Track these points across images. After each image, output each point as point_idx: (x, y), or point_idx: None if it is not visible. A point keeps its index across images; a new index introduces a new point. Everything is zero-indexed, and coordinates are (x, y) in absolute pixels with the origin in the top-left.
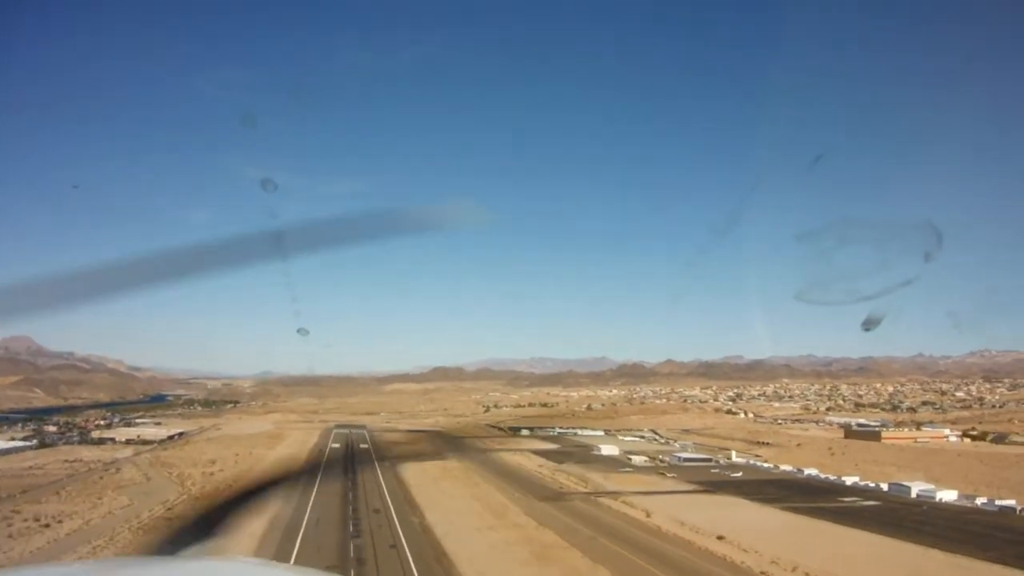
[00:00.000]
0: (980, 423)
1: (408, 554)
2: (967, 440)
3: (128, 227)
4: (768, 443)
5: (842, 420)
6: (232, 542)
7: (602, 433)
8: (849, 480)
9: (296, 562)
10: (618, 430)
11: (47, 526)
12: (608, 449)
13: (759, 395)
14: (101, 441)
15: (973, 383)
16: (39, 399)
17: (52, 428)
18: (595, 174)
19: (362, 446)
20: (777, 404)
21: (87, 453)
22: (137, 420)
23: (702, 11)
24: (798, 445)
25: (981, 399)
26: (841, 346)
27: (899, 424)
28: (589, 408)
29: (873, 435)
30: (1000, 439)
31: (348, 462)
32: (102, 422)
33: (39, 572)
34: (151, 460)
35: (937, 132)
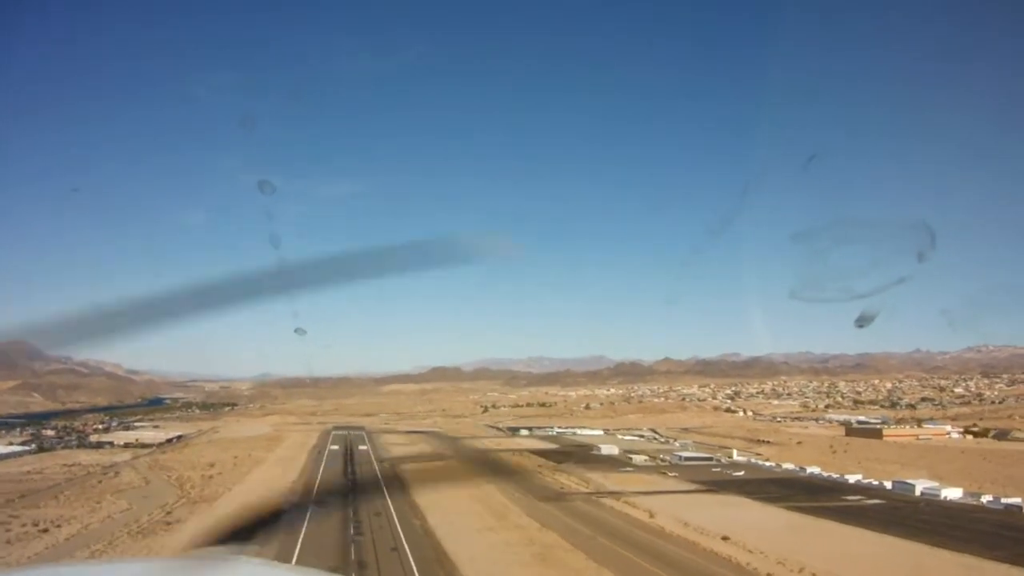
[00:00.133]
0: (981, 419)
1: (410, 558)
2: (969, 437)
3: (126, 228)
4: (768, 441)
5: (842, 417)
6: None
7: (601, 432)
8: (852, 478)
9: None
10: (617, 429)
11: (45, 531)
12: (608, 448)
13: (757, 392)
14: (99, 445)
15: (971, 379)
16: (37, 403)
17: (50, 432)
18: (594, 174)
19: (361, 447)
20: (776, 401)
21: (85, 457)
22: (135, 423)
23: (701, 11)
24: (799, 443)
25: (980, 395)
26: (838, 342)
27: (899, 421)
28: (587, 407)
29: (875, 432)
30: (1002, 435)
31: (347, 461)
32: (100, 426)
33: (38, 572)
34: (149, 463)
35: (934, 131)
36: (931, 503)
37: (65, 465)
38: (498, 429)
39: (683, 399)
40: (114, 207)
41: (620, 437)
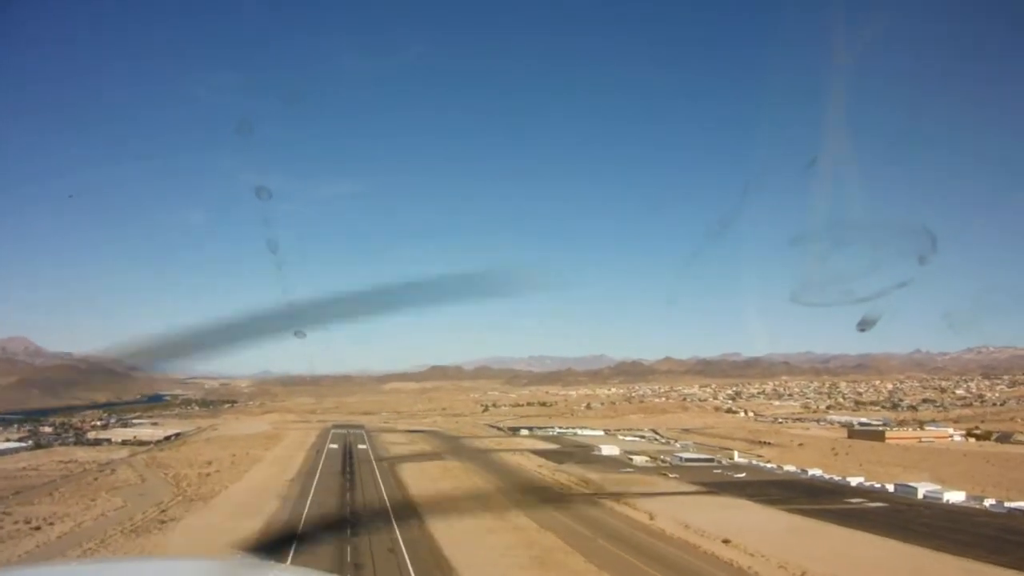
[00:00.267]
0: (983, 422)
1: (407, 559)
2: (971, 439)
3: (125, 229)
4: (770, 443)
5: (843, 419)
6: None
7: (602, 432)
8: (854, 481)
9: None
10: (618, 429)
11: (38, 528)
12: (608, 449)
13: (758, 393)
14: (97, 442)
15: (972, 380)
16: (36, 399)
17: (48, 429)
18: (594, 174)
19: (360, 446)
20: (777, 402)
21: (82, 454)
22: (134, 420)
23: (701, 11)
24: (800, 445)
25: (981, 396)
26: (839, 343)
27: (901, 423)
28: (588, 407)
29: (877, 435)
30: (1005, 438)
31: (346, 461)
32: (98, 422)
33: (38, 572)
34: (147, 461)
35: (935, 132)
36: (934, 506)
37: (61, 462)
38: (498, 428)
39: (684, 399)
40: (113, 207)
41: (621, 437)
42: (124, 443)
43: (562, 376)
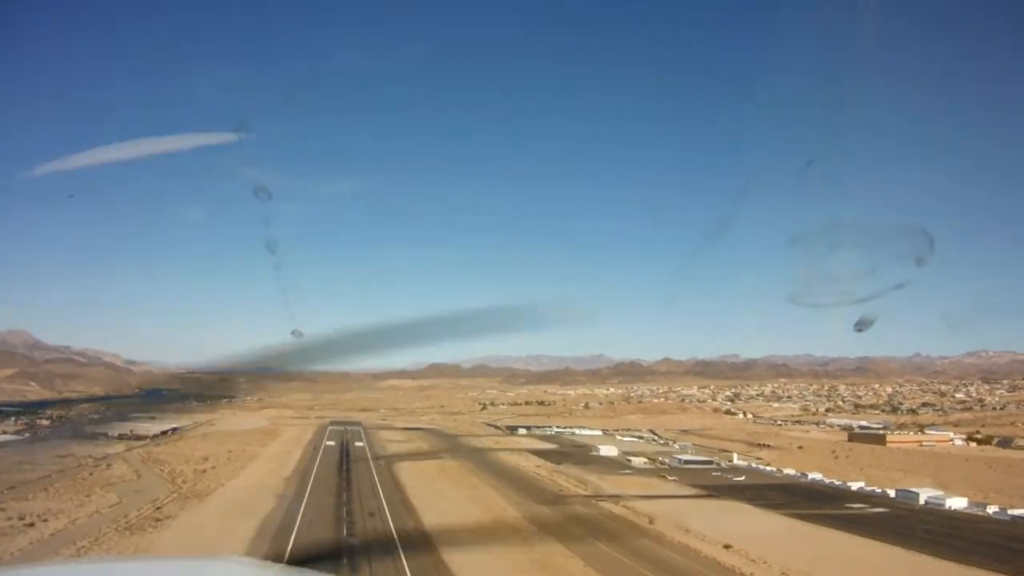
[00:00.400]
0: (983, 426)
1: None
2: (972, 444)
3: (126, 224)
4: (769, 445)
5: (843, 422)
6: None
7: (600, 433)
8: (855, 485)
9: None
10: (616, 429)
11: (31, 525)
12: (607, 450)
13: (757, 395)
14: (93, 436)
15: (972, 384)
16: (34, 392)
17: (45, 422)
18: (593, 174)
19: (357, 444)
20: (776, 404)
21: (78, 448)
22: (131, 414)
23: (701, 11)
24: (800, 448)
25: (981, 401)
26: (838, 345)
27: (901, 426)
28: (587, 406)
29: (878, 438)
30: (1006, 443)
31: (343, 458)
32: (95, 416)
33: (37, 572)
34: (143, 456)
35: (934, 134)
36: (936, 513)
37: (58, 456)
38: (496, 427)
39: (683, 400)
40: (113, 202)
41: (619, 438)
42: (120, 437)
43: (560, 375)
